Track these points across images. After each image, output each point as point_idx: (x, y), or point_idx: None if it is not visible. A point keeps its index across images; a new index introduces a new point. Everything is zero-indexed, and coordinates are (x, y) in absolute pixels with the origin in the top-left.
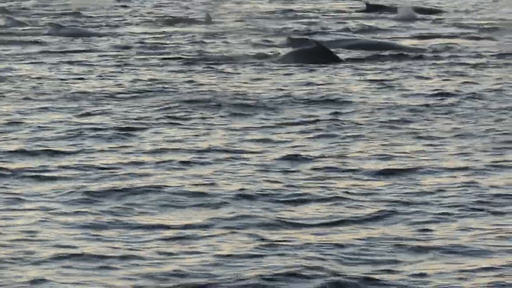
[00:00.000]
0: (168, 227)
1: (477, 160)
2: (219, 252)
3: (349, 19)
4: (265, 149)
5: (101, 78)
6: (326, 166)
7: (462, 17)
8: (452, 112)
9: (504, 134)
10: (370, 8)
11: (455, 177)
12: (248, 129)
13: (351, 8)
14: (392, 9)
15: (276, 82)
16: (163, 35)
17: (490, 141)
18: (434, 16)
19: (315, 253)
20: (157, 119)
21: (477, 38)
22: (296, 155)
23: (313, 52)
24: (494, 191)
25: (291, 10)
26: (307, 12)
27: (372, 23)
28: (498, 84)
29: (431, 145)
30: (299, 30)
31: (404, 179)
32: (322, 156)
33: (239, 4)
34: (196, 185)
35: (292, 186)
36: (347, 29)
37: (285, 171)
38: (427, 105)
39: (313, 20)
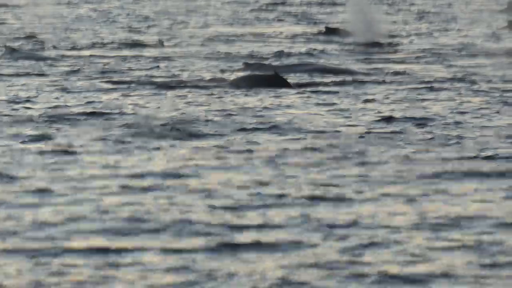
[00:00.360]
0: (102, 252)
1: (414, 187)
2: (151, 280)
3: (307, 43)
4: (206, 175)
5: (47, 101)
6: (263, 192)
7: (416, 42)
8: (396, 138)
9: (446, 160)
10: (329, 32)
11: (391, 203)
12: (190, 154)
13: (309, 31)
14: (350, 34)
15: (222, 107)
16: (114, 59)
17: (431, 168)
18: (391, 40)
19: (244, 280)
20: (100, 143)
21: (429, 63)
22: (235, 181)
23: (265, 77)
24: (430, 217)
25: (248, 34)
26: (265, 36)
27: (329, 47)
28: (445, 110)
29: (371, 170)
30: (255, 54)
31: (342, 205)
32: (260, 182)
33: (195, 28)
34: (135, 210)
35: (230, 214)
36: (304, 53)
37: (224, 197)
38: (372, 131)
39: (271, 44)
